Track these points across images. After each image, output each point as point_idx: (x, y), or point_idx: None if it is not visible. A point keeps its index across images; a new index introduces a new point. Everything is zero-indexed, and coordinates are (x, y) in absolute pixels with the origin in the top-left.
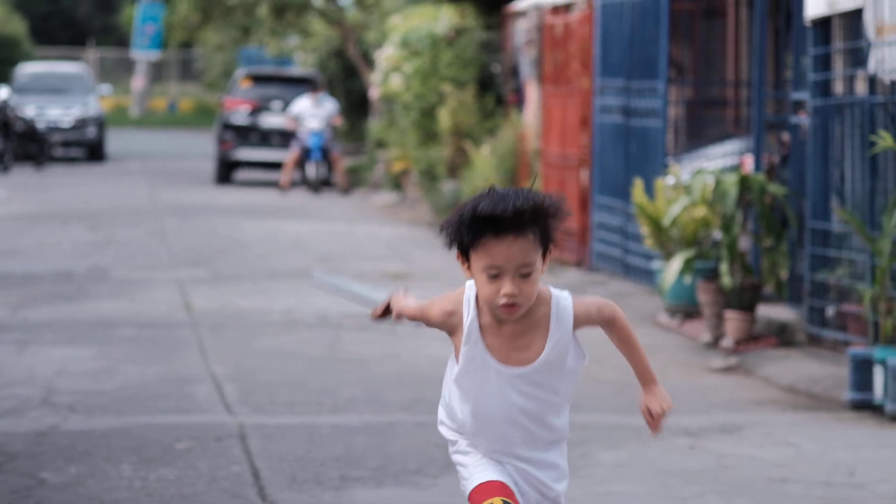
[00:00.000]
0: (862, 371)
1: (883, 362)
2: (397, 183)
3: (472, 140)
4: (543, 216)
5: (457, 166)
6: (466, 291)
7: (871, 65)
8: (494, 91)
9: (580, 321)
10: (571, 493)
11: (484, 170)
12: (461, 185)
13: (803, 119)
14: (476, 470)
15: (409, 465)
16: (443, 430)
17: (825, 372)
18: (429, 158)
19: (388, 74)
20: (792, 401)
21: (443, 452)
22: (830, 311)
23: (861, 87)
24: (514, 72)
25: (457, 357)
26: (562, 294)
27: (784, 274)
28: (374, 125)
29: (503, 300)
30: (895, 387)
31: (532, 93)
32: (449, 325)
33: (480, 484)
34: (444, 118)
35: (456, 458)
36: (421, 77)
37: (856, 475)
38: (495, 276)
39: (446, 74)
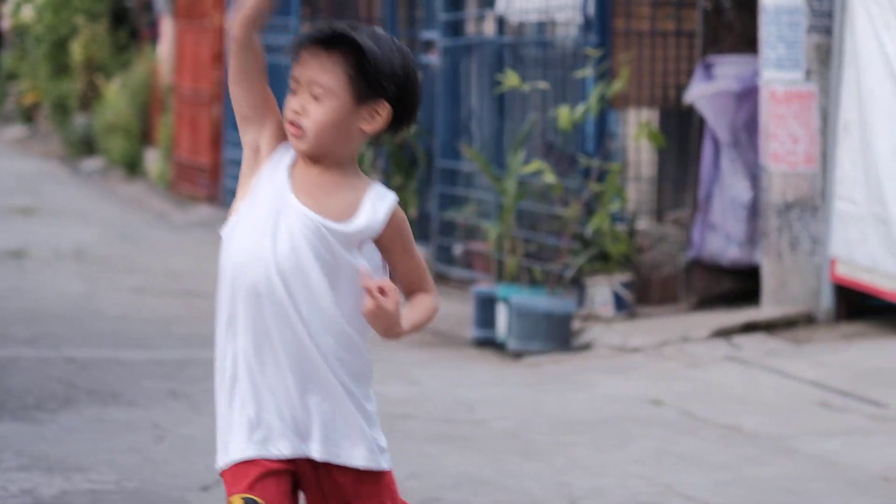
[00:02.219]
0: (486, 309)
1: (506, 300)
2: (29, 116)
3: (105, 74)
4: (362, 51)
5: (89, 100)
6: None
7: (500, 6)
8: (129, 25)
9: (392, 230)
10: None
11: (116, 104)
12: (93, 119)
13: (433, 58)
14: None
15: (29, 399)
16: None
17: (451, 310)
18: (60, 91)
19: (19, 5)
20: (417, 338)
21: (64, 388)
22: (458, 249)
23: (490, 28)
24: (148, 6)
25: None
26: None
27: (413, 212)
28: (5, 57)
29: (290, 115)
30: (517, 324)
31: (166, 27)
32: (262, 125)
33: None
34: (77, 51)
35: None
36: (53, 8)
37: (476, 412)
38: (293, 92)
39: (79, 6)
